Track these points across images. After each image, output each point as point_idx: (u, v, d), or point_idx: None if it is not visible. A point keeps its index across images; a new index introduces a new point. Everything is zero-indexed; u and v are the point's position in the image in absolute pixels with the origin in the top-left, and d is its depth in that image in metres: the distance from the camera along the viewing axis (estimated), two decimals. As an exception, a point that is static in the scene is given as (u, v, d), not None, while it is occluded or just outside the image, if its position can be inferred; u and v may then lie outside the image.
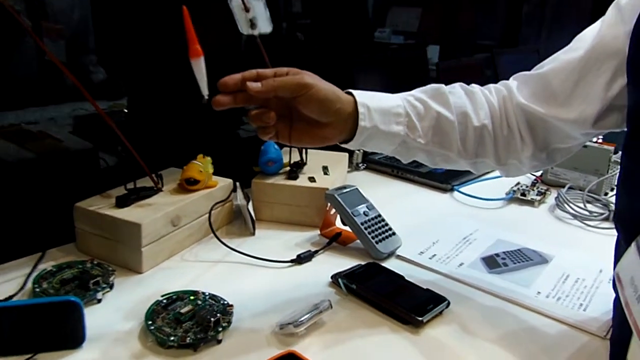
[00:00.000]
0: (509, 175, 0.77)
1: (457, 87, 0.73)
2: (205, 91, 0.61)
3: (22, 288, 0.74)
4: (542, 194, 1.15)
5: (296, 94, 0.61)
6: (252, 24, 0.73)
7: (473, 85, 0.74)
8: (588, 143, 1.18)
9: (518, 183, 1.19)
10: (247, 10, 0.72)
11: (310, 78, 0.62)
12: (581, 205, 1.09)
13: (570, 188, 1.17)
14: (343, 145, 0.68)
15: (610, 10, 0.66)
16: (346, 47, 1.71)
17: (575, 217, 1.07)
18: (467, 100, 0.71)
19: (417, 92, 0.72)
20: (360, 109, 0.64)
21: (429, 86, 0.72)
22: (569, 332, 0.71)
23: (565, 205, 1.09)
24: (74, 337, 0.62)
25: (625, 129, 0.61)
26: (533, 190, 1.16)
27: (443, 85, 0.72)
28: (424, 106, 0.69)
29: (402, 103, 0.68)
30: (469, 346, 0.67)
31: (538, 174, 1.26)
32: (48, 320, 0.61)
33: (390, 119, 0.66)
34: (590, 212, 1.07)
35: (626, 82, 0.62)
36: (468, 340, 0.68)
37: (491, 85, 0.75)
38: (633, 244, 0.55)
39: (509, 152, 0.72)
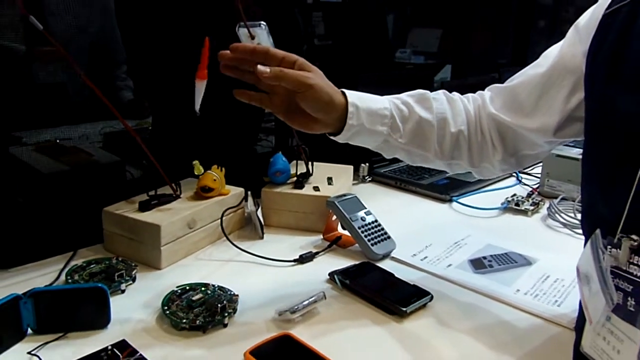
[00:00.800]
0: (482, 177, 0.85)
1: (441, 94, 0.81)
2: (197, 107, 0.72)
3: (56, 280, 0.84)
4: (536, 204, 1.22)
5: (296, 90, 0.68)
6: (258, 50, 0.83)
7: (454, 93, 0.83)
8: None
9: (514, 195, 1.27)
10: (252, 37, 0.82)
11: (314, 79, 0.68)
12: (572, 214, 1.15)
13: (563, 199, 1.23)
14: (332, 138, 0.76)
15: (571, 31, 0.74)
16: (366, 67, 1.80)
17: (565, 225, 1.13)
18: (447, 107, 0.80)
19: (404, 95, 0.79)
20: (350, 108, 0.72)
21: (416, 91, 0.80)
22: (542, 325, 0.78)
23: (557, 215, 1.16)
24: (101, 319, 0.72)
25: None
26: (528, 201, 1.23)
27: (428, 92, 0.80)
28: (408, 110, 0.77)
29: (389, 106, 0.76)
30: (445, 335, 0.74)
31: (535, 186, 1.34)
32: (78, 304, 0.71)
33: (376, 120, 0.74)
34: (580, 220, 1.13)
35: (584, 96, 0.69)
36: (445, 330, 0.75)
37: (469, 95, 0.84)
38: (589, 242, 0.62)
39: (482, 156, 0.80)
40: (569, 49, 0.73)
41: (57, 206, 1.05)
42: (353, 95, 0.74)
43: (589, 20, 0.70)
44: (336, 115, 0.72)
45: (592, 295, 0.61)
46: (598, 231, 0.61)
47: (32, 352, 0.67)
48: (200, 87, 0.73)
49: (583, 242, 0.69)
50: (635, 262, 0.55)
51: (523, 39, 2.41)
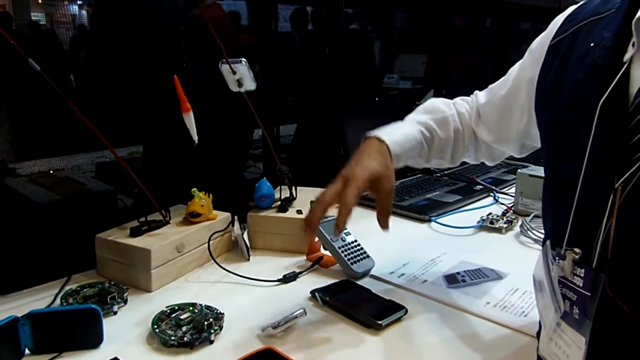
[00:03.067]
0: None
1: (454, 110, 0.91)
2: (195, 137, 0.77)
3: (52, 303, 0.89)
4: (510, 222, 1.28)
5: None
6: (239, 84, 0.90)
7: (459, 104, 0.93)
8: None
9: (490, 213, 1.33)
10: (234, 72, 0.89)
11: (391, 191, 0.78)
12: (542, 231, 1.21)
13: (535, 216, 1.29)
14: None
15: (526, 55, 0.81)
16: (353, 93, 1.88)
17: (536, 241, 1.19)
18: (459, 122, 0.91)
19: (427, 119, 0.90)
20: (395, 159, 0.81)
21: (436, 112, 0.90)
22: (510, 335, 0.83)
23: (529, 232, 1.22)
24: (94, 339, 0.77)
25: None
26: (502, 219, 1.29)
27: (446, 111, 0.90)
28: (431, 135, 0.89)
29: (419, 137, 0.87)
30: (418, 346, 0.79)
31: (509, 205, 1.40)
32: (73, 325, 0.76)
33: (414, 154, 0.87)
34: (550, 237, 1.19)
35: (535, 117, 0.76)
36: (419, 342, 0.80)
37: (466, 105, 0.94)
38: (541, 252, 0.68)
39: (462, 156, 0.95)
40: (523, 73, 0.81)
41: (52, 234, 1.10)
42: (395, 146, 0.81)
43: (537, 47, 0.77)
44: None
45: (545, 302, 0.66)
46: (549, 242, 0.67)
47: (30, 371, 0.71)
48: (189, 119, 0.79)
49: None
50: (578, 273, 0.60)
51: (501, 63, 2.51)
